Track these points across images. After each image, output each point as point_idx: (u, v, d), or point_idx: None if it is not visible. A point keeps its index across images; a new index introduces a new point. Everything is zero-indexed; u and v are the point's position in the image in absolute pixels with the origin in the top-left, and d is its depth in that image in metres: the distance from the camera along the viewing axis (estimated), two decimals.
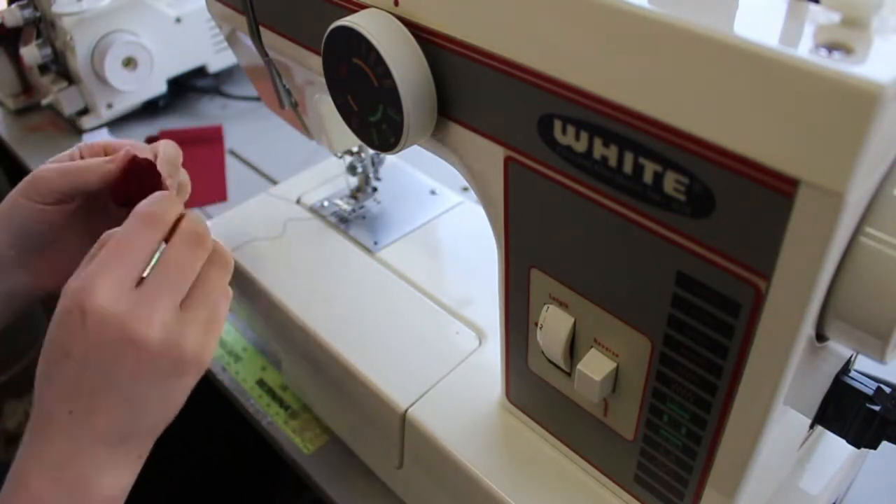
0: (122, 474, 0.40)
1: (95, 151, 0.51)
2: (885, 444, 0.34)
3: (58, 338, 0.38)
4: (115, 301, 0.38)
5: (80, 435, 0.38)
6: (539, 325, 0.38)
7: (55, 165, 0.49)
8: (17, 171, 0.97)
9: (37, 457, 0.38)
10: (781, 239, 0.25)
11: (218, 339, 0.43)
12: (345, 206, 0.64)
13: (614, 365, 0.35)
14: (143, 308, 0.38)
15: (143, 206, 0.41)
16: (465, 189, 0.70)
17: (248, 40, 0.51)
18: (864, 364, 0.36)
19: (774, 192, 0.24)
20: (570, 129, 0.30)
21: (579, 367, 0.36)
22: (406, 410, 0.47)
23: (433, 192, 0.65)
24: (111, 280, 0.38)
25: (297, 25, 0.44)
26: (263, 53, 0.51)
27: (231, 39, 0.58)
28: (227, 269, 0.43)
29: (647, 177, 0.28)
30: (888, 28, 0.23)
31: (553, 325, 0.37)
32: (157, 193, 0.42)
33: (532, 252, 0.37)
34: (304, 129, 0.61)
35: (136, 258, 0.39)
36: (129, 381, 0.38)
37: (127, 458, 0.40)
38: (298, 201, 0.65)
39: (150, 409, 0.40)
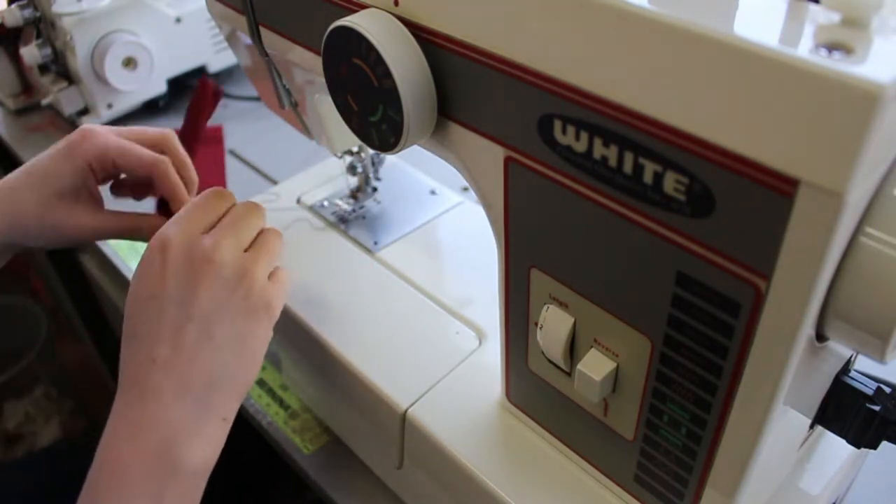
0: (209, 441, 0.39)
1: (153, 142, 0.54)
2: (885, 444, 0.34)
3: (139, 283, 0.42)
4: (189, 234, 0.42)
5: (165, 387, 0.38)
6: (539, 325, 0.38)
7: (122, 148, 0.52)
8: None
9: (120, 416, 0.38)
10: (781, 239, 0.25)
11: (285, 295, 0.45)
12: (345, 206, 0.64)
13: (614, 365, 0.35)
14: (212, 239, 0.42)
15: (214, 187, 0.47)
16: (465, 189, 0.70)
17: (248, 40, 0.51)
18: (864, 364, 0.36)
19: (774, 192, 0.24)
20: (570, 129, 0.30)
21: (579, 367, 0.36)
22: (406, 410, 0.47)
23: (433, 192, 0.65)
24: (185, 224, 0.43)
25: (297, 25, 0.44)
26: (263, 53, 0.51)
27: (231, 39, 0.58)
28: (281, 237, 0.47)
29: (647, 177, 0.28)
30: (888, 28, 0.23)
31: (553, 325, 0.37)
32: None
33: (532, 252, 0.37)
34: (304, 129, 0.61)
35: (207, 216, 0.44)
36: (207, 307, 0.40)
37: (211, 419, 0.40)
38: (298, 201, 0.65)
39: (229, 350, 0.41)
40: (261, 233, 0.46)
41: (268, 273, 0.44)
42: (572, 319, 0.36)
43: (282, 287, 0.45)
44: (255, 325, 0.42)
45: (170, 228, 0.43)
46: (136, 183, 0.57)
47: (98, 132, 0.52)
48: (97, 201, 0.54)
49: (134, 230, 0.53)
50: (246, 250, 0.44)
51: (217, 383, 0.40)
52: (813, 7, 0.25)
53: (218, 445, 0.41)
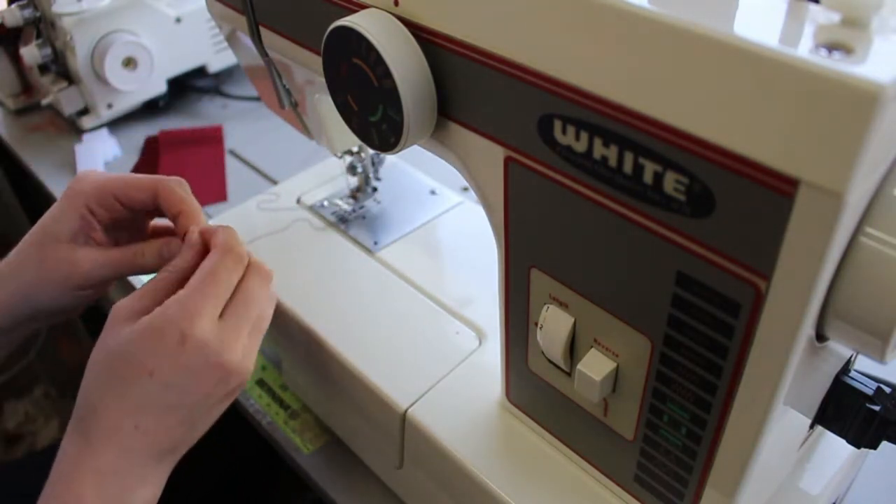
0: (156, 486, 0.43)
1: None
2: (885, 444, 0.34)
3: (141, 356, 0.41)
4: (212, 330, 0.42)
5: (137, 448, 0.41)
6: (539, 325, 0.38)
7: (120, 178, 0.50)
8: (17, 171, 0.97)
9: (88, 463, 0.40)
10: (781, 239, 0.25)
11: (255, 352, 0.46)
12: (345, 206, 0.64)
13: (614, 365, 0.35)
14: (229, 335, 0.42)
15: (226, 242, 0.45)
16: (465, 189, 0.70)
17: (248, 40, 0.51)
18: (864, 364, 0.36)
19: (774, 192, 0.24)
20: (570, 129, 0.30)
21: (579, 367, 0.36)
22: (406, 410, 0.47)
23: (433, 192, 0.65)
24: (209, 311, 0.42)
25: (297, 25, 0.44)
26: (263, 53, 0.51)
27: (231, 39, 0.58)
28: (258, 280, 0.46)
29: (647, 177, 0.28)
30: (888, 28, 0.23)
31: (553, 325, 0.37)
32: (227, 227, 0.46)
33: (532, 252, 0.37)
34: (304, 129, 0.61)
35: (225, 291, 0.44)
36: (199, 400, 0.42)
37: (165, 471, 0.43)
38: (298, 201, 0.65)
39: (203, 423, 0.44)
40: (243, 277, 0.45)
41: (244, 335, 0.44)
42: (572, 319, 0.36)
43: (251, 355, 0.45)
44: (223, 402, 0.45)
45: (192, 310, 0.42)
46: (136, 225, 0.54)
47: (93, 173, 0.51)
48: (103, 244, 0.51)
49: (134, 262, 0.50)
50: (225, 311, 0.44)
51: (182, 446, 0.44)
52: (813, 7, 0.25)
53: (162, 485, 0.44)
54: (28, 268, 0.49)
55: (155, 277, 0.45)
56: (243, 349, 0.43)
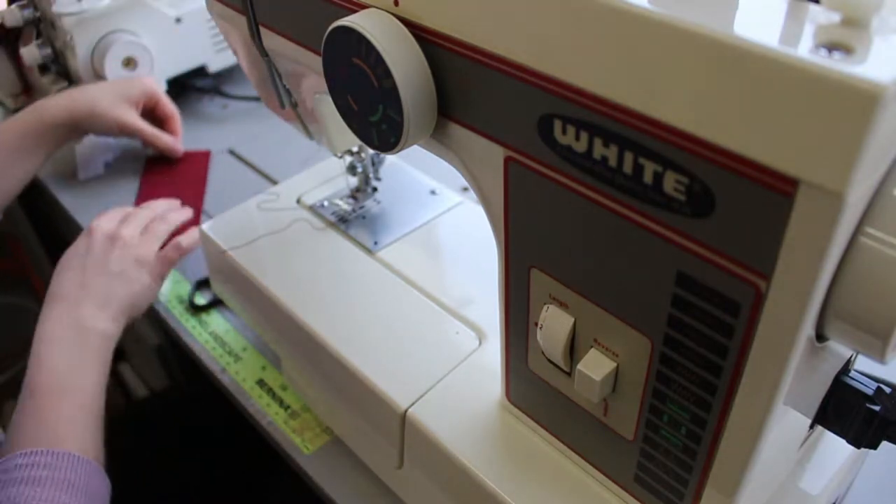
0: (108, 325, 0.63)
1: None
2: (885, 444, 0.34)
3: (76, 247, 0.69)
4: (109, 224, 0.71)
5: (79, 297, 0.63)
6: (539, 325, 0.38)
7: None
8: None
9: (50, 312, 0.62)
10: (781, 239, 0.25)
11: (152, 249, 0.71)
12: (345, 206, 0.64)
13: (614, 365, 0.35)
14: (122, 228, 0.71)
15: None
16: (466, 189, 0.70)
17: (248, 40, 0.51)
18: (864, 364, 0.36)
19: (774, 192, 0.24)
20: (570, 129, 0.30)
21: (579, 367, 0.36)
22: (406, 410, 0.47)
23: (433, 192, 0.65)
24: (106, 218, 0.72)
25: (297, 25, 0.44)
26: (263, 53, 0.51)
27: (232, 39, 0.58)
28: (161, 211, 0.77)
29: (647, 177, 0.28)
30: (888, 28, 0.23)
31: (553, 325, 0.37)
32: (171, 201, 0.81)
33: (532, 252, 0.37)
34: (304, 130, 0.61)
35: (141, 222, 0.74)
36: (107, 258, 0.67)
37: (109, 315, 0.64)
38: (298, 201, 0.65)
39: (116, 282, 0.66)
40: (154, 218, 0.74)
41: (153, 245, 0.71)
42: (572, 319, 0.36)
43: (151, 239, 0.71)
44: (137, 272, 0.68)
45: (100, 219, 0.71)
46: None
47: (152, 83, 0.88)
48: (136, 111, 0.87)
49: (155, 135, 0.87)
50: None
51: (109, 299, 0.64)
52: (813, 7, 0.25)
53: (118, 328, 0.64)
54: (99, 106, 0.82)
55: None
56: (134, 230, 0.71)
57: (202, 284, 0.74)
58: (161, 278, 0.71)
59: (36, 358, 0.59)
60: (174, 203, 0.79)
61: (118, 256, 0.68)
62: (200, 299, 0.73)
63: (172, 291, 0.74)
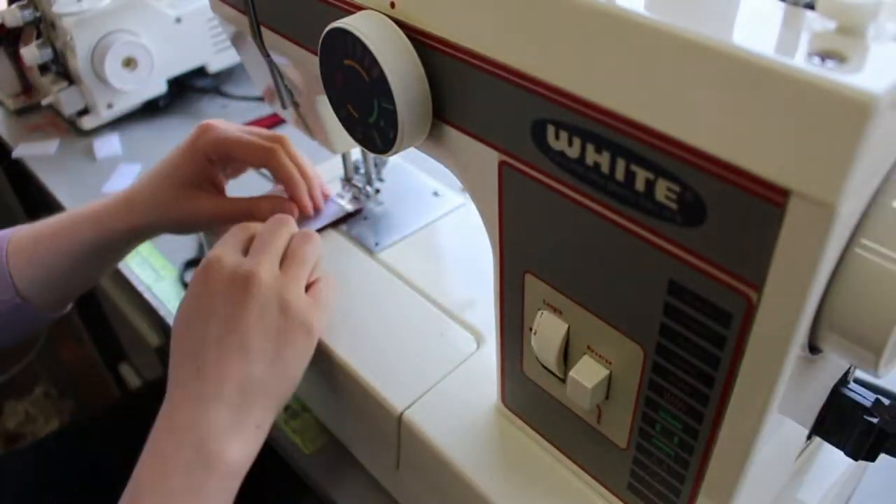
0: (244, 443, 0.43)
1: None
2: (885, 457, 0.33)
3: (189, 305, 0.46)
4: (232, 256, 0.48)
5: (204, 393, 0.43)
6: (533, 331, 0.38)
7: (238, 138, 0.57)
8: (17, 170, 0.97)
9: (165, 420, 0.43)
10: (772, 250, 0.24)
11: (325, 312, 0.50)
12: (346, 206, 0.63)
13: (607, 372, 0.35)
14: (252, 259, 0.47)
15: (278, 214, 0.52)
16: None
17: (250, 41, 0.51)
18: (864, 373, 0.35)
19: (765, 202, 0.23)
20: (563, 135, 0.30)
21: (571, 373, 0.36)
22: (402, 413, 0.47)
23: (435, 194, 0.65)
24: (228, 247, 0.49)
25: (297, 26, 0.44)
26: (265, 54, 0.51)
27: (235, 40, 0.58)
28: (312, 240, 0.51)
29: (639, 184, 0.28)
30: (884, 36, 0.23)
31: (547, 331, 0.37)
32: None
33: (526, 257, 0.37)
34: (306, 129, 0.60)
35: (246, 235, 0.50)
36: (246, 324, 0.44)
37: (247, 425, 0.44)
38: None
39: (262, 363, 0.45)
40: (292, 240, 0.50)
41: (303, 286, 0.48)
42: (566, 326, 0.36)
43: (321, 305, 0.49)
44: (292, 343, 0.46)
45: (215, 251, 0.47)
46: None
47: (215, 125, 0.58)
48: (218, 189, 0.60)
49: (250, 212, 0.57)
50: (282, 262, 0.49)
51: (250, 392, 0.44)
52: (809, 14, 0.24)
53: (252, 450, 0.44)
54: (158, 205, 0.57)
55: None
56: (272, 267, 0.48)
57: None
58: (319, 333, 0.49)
59: (140, 472, 0.42)
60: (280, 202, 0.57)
61: (279, 326, 0.46)
62: None
63: (174, 292, 0.74)
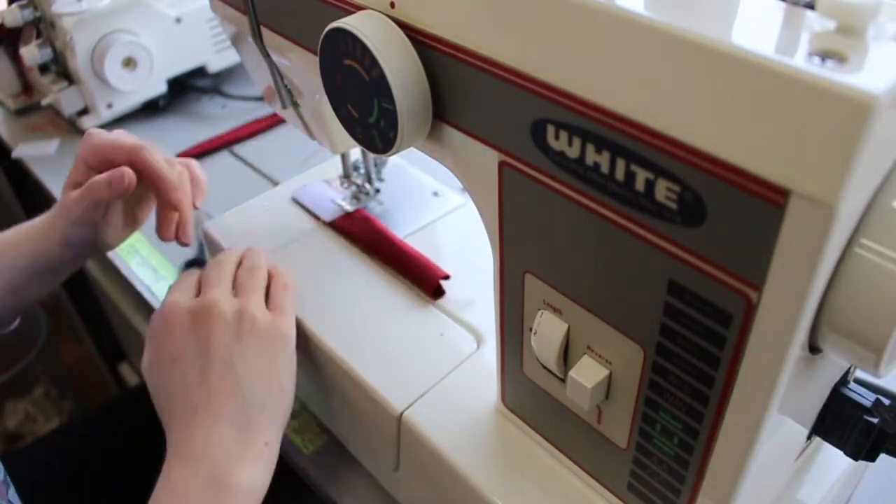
0: (255, 462, 0.43)
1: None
2: (886, 457, 0.33)
3: (157, 355, 0.47)
4: (186, 299, 0.49)
5: (204, 422, 0.43)
6: (533, 331, 0.38)
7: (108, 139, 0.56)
8: (17, 171, 0.97)
9: (175, 450, 0.43)
10: (772, 250, 0.24)
11: (290, 316, 0.50)
12: (346, 206, 0.63)
13: (607, 372, 0.35)
14: (205, 295, 0.48)
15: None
16: None
17: (250, 41, 0.51)
18: (864, 373, 0.35)
19: (765, 201, 0.23)
20: (563, 135, 0.30)
21: (571, 373, 0.36)
22: (402, 413, 0.47)
23: (436, 194, 0.65)
24: (180, 291, 0.50)
25: (297, 26, 0.44)
26: (265, 54, 0.51)
27: (235, 40, 0.58)
28: (258, 255, 0.54)
29: (639, 184, 0.28)
30: (884, 35, 0.23)
31: (547, 331, 0.37)
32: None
33: (526, 257, 0.37)
34: (306, 129, 0.60)
35: (194, 279, 0.51)
36: (222, 351, 0.45)
37: (254, 443, 0.44)
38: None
39: (253, 379, 0.45)
40: (239, 267, 0.52)
41: (262, 297, 0.50)
42: (566, 326, 0.36)
43: (284, 311, 0.50)
44: (272, 354, 0.47)
45: (167, 299, 0.48)
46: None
47: (96, 133, 0.56)
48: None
49: (93, 184, 0.55)
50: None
51: (249, 410, 0.44)
52: (809, 14, 0.24)
53: (266, 467, 0.44)
54: (59, 214, 0.57)
55: None
56: (227, 295, 0.49)
57: None
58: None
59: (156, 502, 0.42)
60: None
61: (254, 342, 0.47)
62: None
63: None
